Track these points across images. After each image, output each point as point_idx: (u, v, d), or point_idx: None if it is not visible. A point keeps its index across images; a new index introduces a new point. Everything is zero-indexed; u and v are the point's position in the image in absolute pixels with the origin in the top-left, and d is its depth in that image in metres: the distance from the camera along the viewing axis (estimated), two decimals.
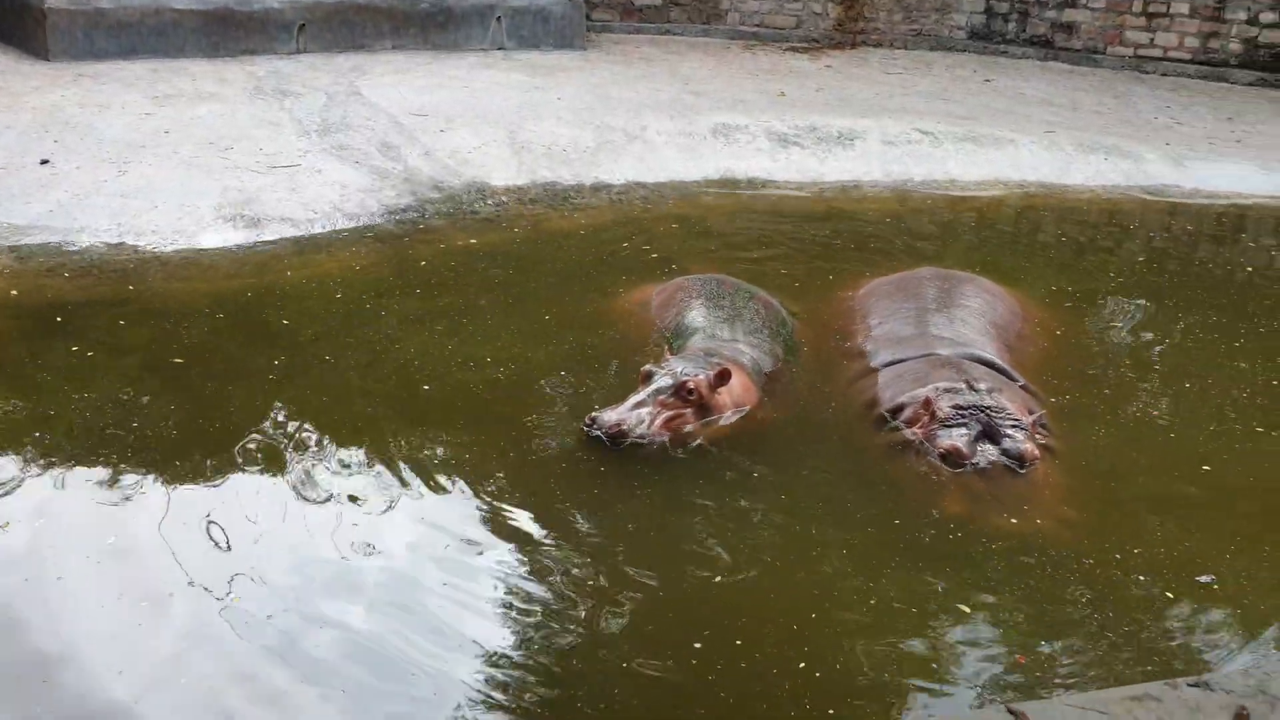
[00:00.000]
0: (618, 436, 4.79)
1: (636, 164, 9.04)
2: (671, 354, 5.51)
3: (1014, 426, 4.81)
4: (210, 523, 4.25)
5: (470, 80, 10.97)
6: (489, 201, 8.10)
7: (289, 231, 7.28)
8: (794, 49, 13.40)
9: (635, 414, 4.87)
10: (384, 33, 11.53)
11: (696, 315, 6.01)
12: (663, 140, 9.61)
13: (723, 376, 5.05)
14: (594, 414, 4.87)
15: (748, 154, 9.54)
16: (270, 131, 8.89)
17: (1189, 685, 2.86)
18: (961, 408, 4.88)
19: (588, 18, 12.79)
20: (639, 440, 4.82)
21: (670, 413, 4.92)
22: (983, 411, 4.85)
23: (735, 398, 5.16)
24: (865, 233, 8.32)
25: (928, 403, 4.96)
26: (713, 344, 5.63)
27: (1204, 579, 4.26)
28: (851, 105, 11.15)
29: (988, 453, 4.73)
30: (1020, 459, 4.70)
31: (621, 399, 5.03)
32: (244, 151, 8.40)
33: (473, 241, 7.40)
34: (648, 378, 5.03)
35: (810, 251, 7.89)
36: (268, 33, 11.06)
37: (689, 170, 9.12)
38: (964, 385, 5.03)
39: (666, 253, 7.50)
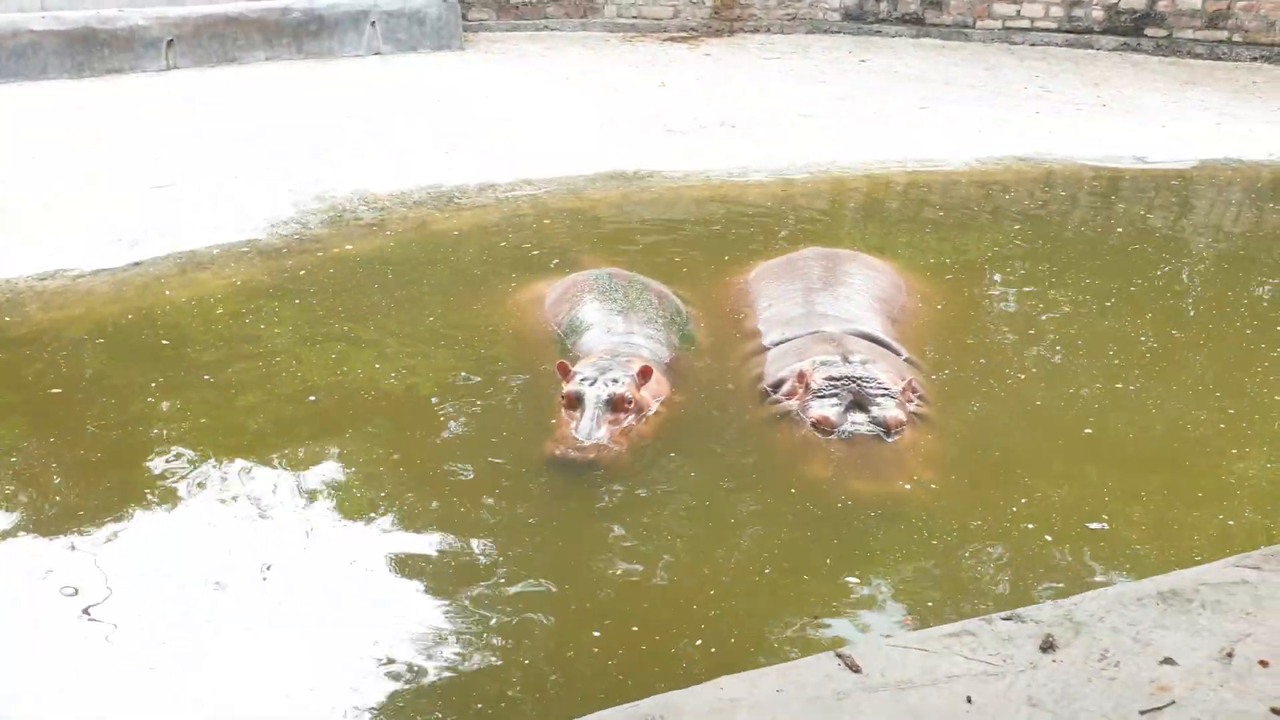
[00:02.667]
0: (596, 454, 4.76)
1: (521, 161, 9.03)
2: (574, 352, 5.54)
3: (884, 395, 4.99)
4: (90, 554, 4.15)
5: (346, 86, 10.83)
6: (372, 207, 8.02)
7: (169, 251, 7.12)
8: (673, 39, 13.49)
9: (600, 432, 4.85)
10: (256, 44, 11.32)
11: (590, 310, 6.03)
12: (545, 136, 9.61)
13: (645, 375, 5.12)
14: (570, 440, 4.80)
15: (633, 146, 9.59)
16: (143, 152, 8.68)
17: (1002, 619, 3.04)
18: (834, 379, 5.06)
19: (464, 18, 12.71)
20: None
21: (616, 426, 4.93)
22: (854, 382, 5.02)
23: (653, 392, 5.22)
24: (752, 218, 8.43)
25: (802, 376, 5.13)
26: (609, 339, 5.65)
27: (1095, 525, 4.43)
28: (732, 92, 11.27)
29: (857, 421, 4.90)
30: (887, 426, 4.87)
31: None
32: (116, 173, 8.19)
33: (357, 248, 7.32)
34: (577, 399, 4.99)
35: (699, 239, 7.97)
36: (134, 51, 10.78)
37: (575, 165, 9.13)
38: (839, 358, 5.21)
39: (556, 249, 7.51)
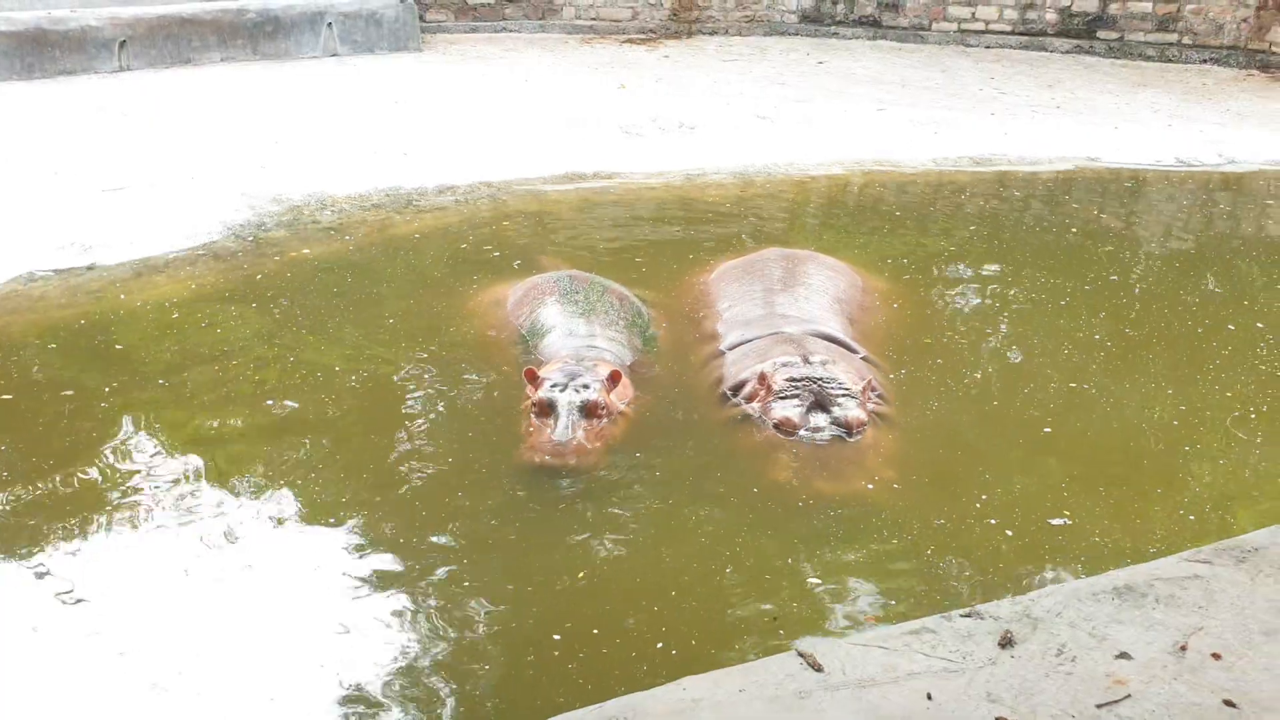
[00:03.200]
0: (576, 459, 4.74)
1: (481, 163, 9.00)
2: (536, 355, 5.54)
3: (844, 395, 5.03)
4: (45, 562, 4.09)
5: (303, 88, 10.75)
6: (330, 210, 7.96)
7: (124, 255, 7.03)
8: (631, 40, 13.51)
9: (575, 437, 4.83)
10: (211, 45, 11.20)
11: (552, 313, 6.02)
12: (504, 137, 9.59)
13: (614, 379, 5.11)
14: (546, 446, 4.77)
15: (592, 147, 9.59)
16: (95, 154, 8.57)
17: (961, 616, 3.09)
18: (795, 380, 5.09)
19: (422, 19, 12.65)
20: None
21: (590, 431, 4.91)
22: (815, 382, 5.05)
23: (620, 395, 5.22)
24: (712, 218, 8.46)
25: (763, 377, 5.15)
26: (572, 342, 5.64)
27: (1057, 521, 4.49)
28: (691, 94, 11.30)
29: (819, 421, 4.93)
30: (849, 426, 4.91)
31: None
32: (68, 176, 8.07)
33: (315, 251, 7.27)
34: (550, 406, 4.95)
35: (659, 240, 7.98)
36: (87, 52, 10.63)
37: (535, 166, 9.11)
38: (799, 359, 5.24)
39: (516, 250, 7.49)
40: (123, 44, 10.79)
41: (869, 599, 4.05)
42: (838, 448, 4.86)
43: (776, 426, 4.97)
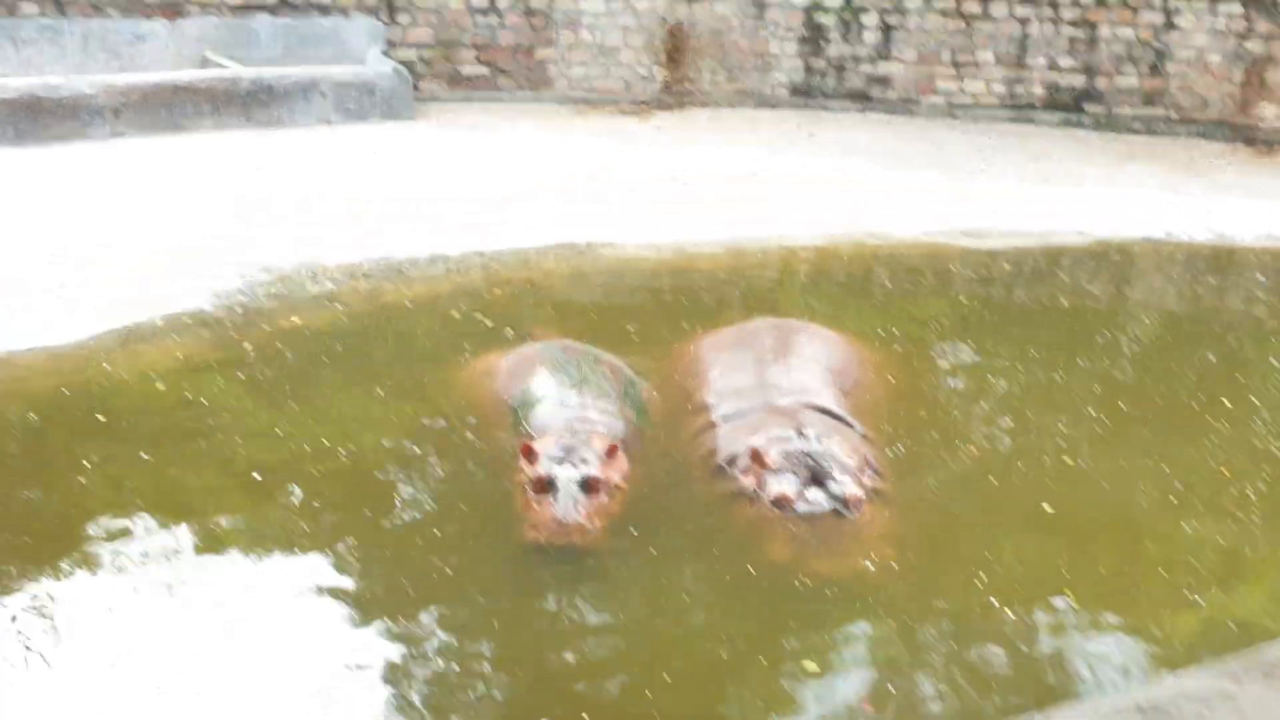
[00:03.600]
0: (581, 538, 4.64)
1: (472, 232, 8.98)
2: (527, 427, 5.46)
3: (841, 471, 4.94)
4: (20, 633, 3.97)
5: (295, 156, 10.77)
6: (321, 279, 7.91)
7: (110, 323, 6.95)
8: (624, 112, 13.61)
9: (577, 514, 4.71)
10: (204, 113, 11.23)
11: (543, 384, 5.94)
12: (496, 206, 9.60)
13: (611, 454, 5.02)
14: (548, 524, 4.67)
15: (584, 217, 9.58)
16: (84, 220, 8.54)
17: None
18: (790, 454, 4.99)
19: (416, 88, 12.73)
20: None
21: (590, 507, 4.79)
22: (811, 457, 4.97)
23: (618, 469, 5.10)
24: (703, 288, 8.44)
25: (757, 452, 5.06)
26: (564, 414, 5.56)
27: (1060, 602, 4.39)
28: (682, 164, 11.35)
29: (815, 498, 4.84)
30: (847, 502, 4.82)
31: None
32: (55, 242, 8.03)
33: (304, 320, 7.20)
34: (549, 482, 4.81)
35: (651, 310, 7.96)
36: (80, 119, 10.65)
37: (527, 235, 9.10)
38: (794, 433, 5.16)
39: (508, 320, 7.44)
40: (116, 111, 10.81)
41: (867, 684, 3.94)
42: (835, 524, 4.76)
43: (773, 502, 4.87)
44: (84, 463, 5.25)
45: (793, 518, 4.79)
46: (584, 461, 4.88)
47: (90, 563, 4.48)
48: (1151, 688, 3.06)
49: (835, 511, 4.81)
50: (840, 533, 4.71)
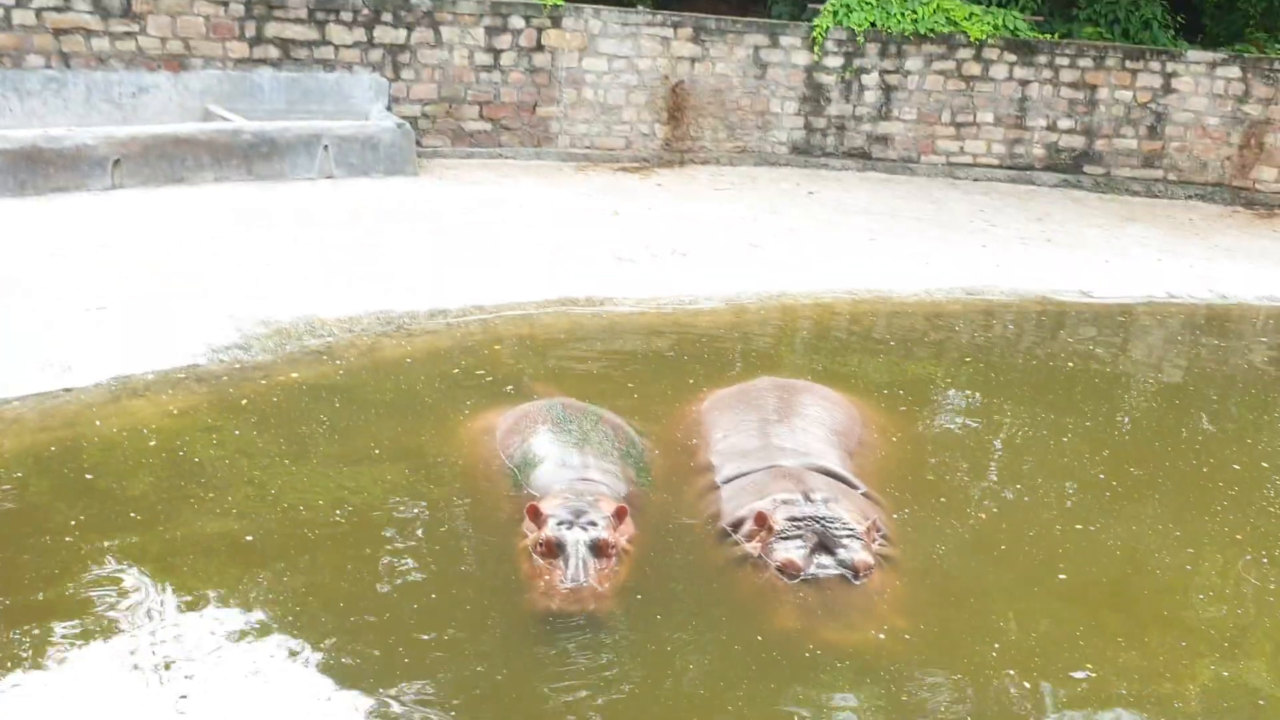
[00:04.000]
0: (595, 605, 4.52)
1: (473, 287, 8.92)
2: (528, 487, 5.35)
3: (849, 536, 4.82)
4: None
5: (295, 209, 10.74)
6: (319, 333, 7.83)
7: (103, 377, 6.84)
8: (625, 169, 13.63)
9: (588, 579, 4.60)
10: (205, 165, 11.21)
11: (544, 443, 5.83)
12: (497, 261, 9.55)
13: (620, 516, 4.91)
14: (559, 591, 4.55)
15: (585, 273, 9.54)
16: (80, 272, 8.46)
17: None
18: (797, 519, 4.88)
19: (418, 144, 12.75)
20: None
21: (600, 571, 4.70)
22: (818, 522, 4.85)
23: (624, 532, 5.00)
24: (704, 345, 8.36)
25: (762, 516, 4.94)
26: (566, 474, 5.45)
27: (1079, 674, 4.26)
28: (683, 221, 11.34)
29: (823, 564, 4.72)
30: (855, 569, 4.69)
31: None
32: (50, 294, 7.95)
33: (302, 375, 7.10)
34: (559, 546, 4.71)
35: (652, 367, 7.87)
36: (80, 170, 10.62)
37: (527, 291, 9.04)
38: (800, 496, 5.05)
39: (507, 376, 7.35)
40: (116, 162, 10.78)
41: None
42: (844, 592, 4.63)
43: (779, 569, 4.75)
44: (71, 523, 5.11)
45: (800, 584, 4.67)
46: (593, 524, 4.77)
47: (70, 626, 4.34)
48: None
49: (842, 578, 4.69)
50: (849, 601, 4.58)
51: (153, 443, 6.01)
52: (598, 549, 4.69)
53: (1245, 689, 4.34)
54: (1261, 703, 4.19)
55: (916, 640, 4.41)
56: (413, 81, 13.07)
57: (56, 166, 10.51)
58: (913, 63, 13.94)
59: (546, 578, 4.61)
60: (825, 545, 4.78)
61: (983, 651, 4.39)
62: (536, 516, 4.86)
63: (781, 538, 4.83)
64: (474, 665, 4.21)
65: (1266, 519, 5.73)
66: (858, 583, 4.68)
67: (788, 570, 4.71)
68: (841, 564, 4.72)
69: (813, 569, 4.71)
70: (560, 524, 4.76)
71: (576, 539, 4.69)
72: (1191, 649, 4.55)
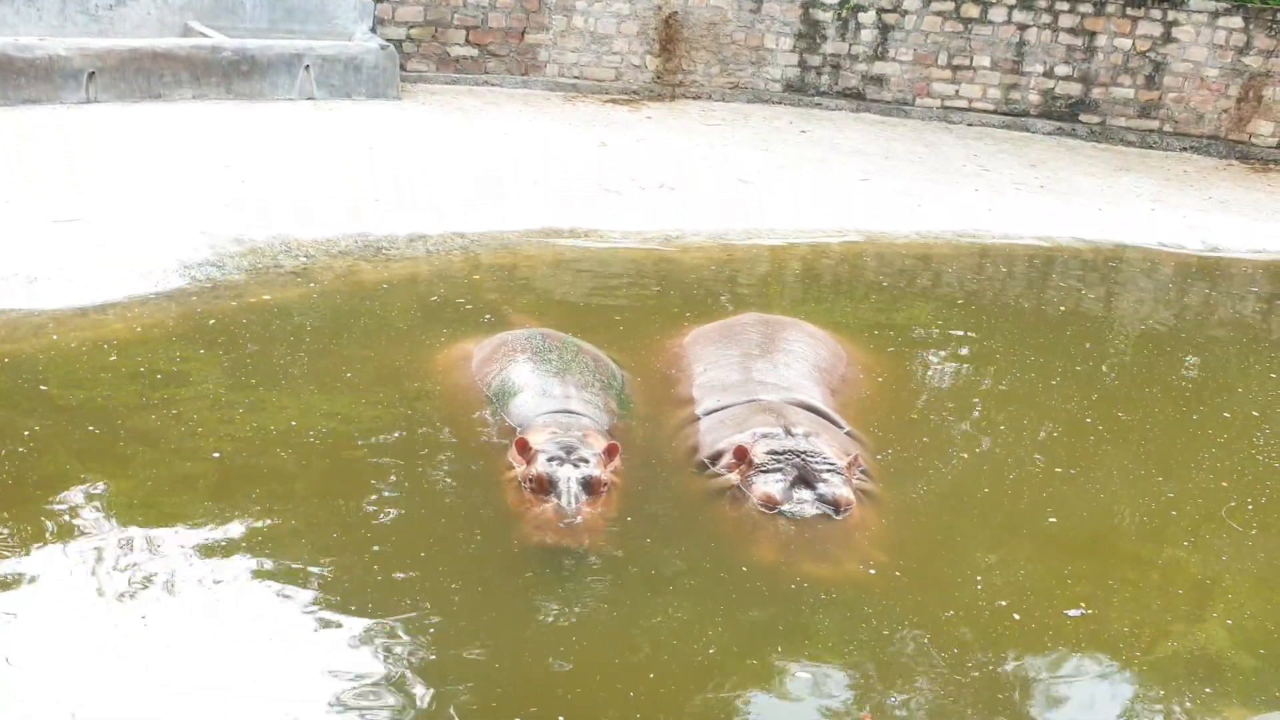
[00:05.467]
0: (589, 539, 4.43)
1: (454, 214, 8.72)
2: (506, 416, 5.22)
3: (830, 471, 4.72)
4: None
5: (275, 130, 10.48)
6: (295, 254, 7.63)
7: (71, 291, 6.65)
8: (614, 101, 13.36)
9: (581, 513, 4.52)
10: (183, 82, 10.90)
11: (523, 372, 5.68)
12: (480, 189, 9.34)
13: (611, 453, 4.80)
14: (552, 523, 4.46)
15: (570, 204, 9.34)
16: (51, 184, 8.22)
17: None
18: (777, 453, 4.78)
19: (402, 68, 12.44)
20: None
21: (591, 507, 4.61)
22: (798, 456, 4.74)
23: (613, 467, 4.89)
24: (690, 281, 8.20)
25: (742, 450, 4.82)
26: (546, 404, 5.31)
27: (1074, 613, 4.19)
28: (672, 155, 11.13)
29: (803, 499, 4.61)
30: (836, 504, 4.59)
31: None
32: (19, 205, 7.72)
33: (275, 297, 6.92)
34: (549, 481, 4.59)
35: (635, 301, 7.72)
36: (53, 82, 10.31)
37: (510, 219, 8.85)
38: (781, 430, 4.93)
39: (486, 305, 7.19)
40: (91, 75, 10.47)
41: (861, 693, 3.71)
42: (824, 526, 4.53)
43: (759, 503, 4.64)
44: (23, 433, 4.95)
45: (779, 517, 4.57)
46: (584, 461, 4.66)
47: (14, 542, 4.20)
48: None
49: (823, 512, 4.58)
50: (830, 536, 4.48)
51: (114, 358, 5.83)
52: (589, 486, 4.59)
53: (1242, 637, 4.27)
54: (1262, 652, 4.13)
55: (899, 576, 4.31)
56: (398, 3, 12.73)
57: (28, 77, 10.20)
58: (910, 2, 13.65)
59: (537, 510, 4.50)
60: (805, 479, 4.68)
61: (968, 589, 4.29)
62: (525, 450, 4.73)
63: (761, 471, 4.73)
64: (452, 589, 4.11)
65: (1253, 466, 5.65)
66: (839, 518, 4.58)
67: (766, 504, 4.61)
68: (821, 499, 4.62)
69: (792, 503, 4.60)
70: (551, 460, 4.65)
71: (568, 475, 4.59)
72: (1183, 589, 4.49)
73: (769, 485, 4.66)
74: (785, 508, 4.60)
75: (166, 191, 8.40)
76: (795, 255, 9.09)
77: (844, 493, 4.64)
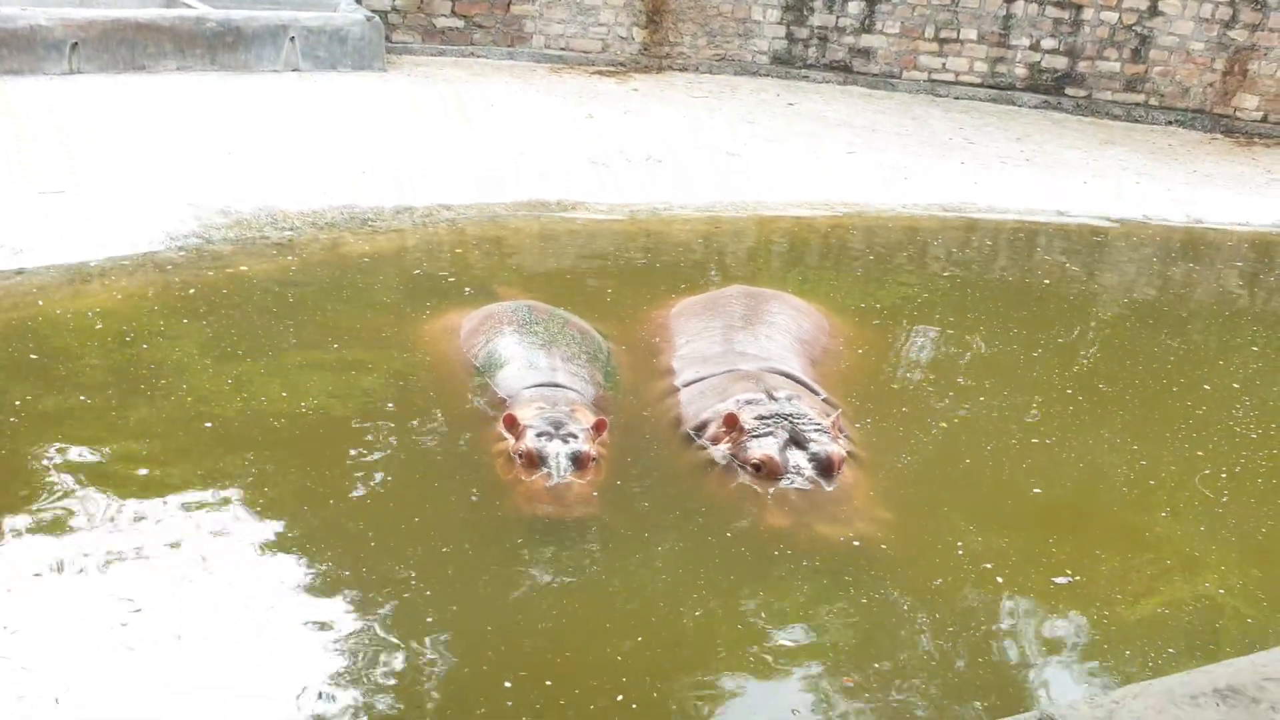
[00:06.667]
0: (582, 510, 4.49)
1: (441, 186, 8.71)
2: (493, 387, 5.25)
3: (817, 431, 4.77)
4: None
5: (260, 101, 10.44)
6: (281, 225, 7.63)
7: (56, 260, 6.65)
8: (600, 72, 13.33)
9: (573, 485, 4.58)
10: (167, 53, 10.84)
11: (510, 344, 5.71)
12: (466, 162, 9.33)
13: (599, 429, 4.85)
14: (545, 495, 4.51)
15: (556, 176, 9.34)
16: (35, 155, 8.19)
17: None
18: (764, 417, 4.82)
19: (388, 39, 12.38)
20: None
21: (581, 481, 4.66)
22: (785, 419, 4.79)
23: (601, 441, 4.93)
24: (677, 253, 8.22)
25: (732, 418, 4.87)
26: (532, 375, 5.35)
27: (1061, 580, 4.25)
28: (659, 128, 11.12)
29: (796, 458, 4.66)
30: (829, 462, 4.64)
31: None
32: (6, 176, 7.69)
33: (260, 267, 6.93)
34: (540, 457, 4.63)
35: (622, 273, 7.74)
36: (35, 52, 10.24)
37: (496, 192, 8.84)
38: (764, 395, 4.98)
39: (473, 277, 7.20)
40: (74, 46, 10.41)
41: (847, 657, 3.77)
42: (824, 490, 4.58)
43: (756, 467, 4.68)
44: (15, 402, 4.97)
45: (774, 484, 4.61)
46: (573, 436, 4.71)
47: (14, 509, 4.23)
48: (1226, 666, 2.79)
49: (818, 473, 4.63)
50: (831, 499, 4.53)
51: (100, 326, 5.84)
52: (578, 461, 4.64)
53: (1226, 603, 4.34)
54: (1250, 621, 4.20)
55: (891, 547, 4.36)
56: None
57: (10, 48, 10.14)
58: None
59: (528, 481, 4.57)
60: (796, 440, 4.73)
61: (952, 556, 4.35)
62: (514, 426, 4.77)
63: (754, 435, 4.76)
64: (440, 557, 4.15)
65: (1230, 437, 5.72)
66: (829, 484, 4.62)
67: (767, 466, 4.64)
68: (815, 458, 4.67)
69: (789, 466, 4.64)
70: (540, 435, 4.70)
71: (557, 451, 4.63)
72: (1169, 556, 4.57)
73: (765, 448, 4.70)
74: (784, 471, 4.63)
75: (152, 163, 8.38)
76: (782, 228, 9.12)
77: (836, 449, 4.70)
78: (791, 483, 4.61)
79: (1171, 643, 3.99)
